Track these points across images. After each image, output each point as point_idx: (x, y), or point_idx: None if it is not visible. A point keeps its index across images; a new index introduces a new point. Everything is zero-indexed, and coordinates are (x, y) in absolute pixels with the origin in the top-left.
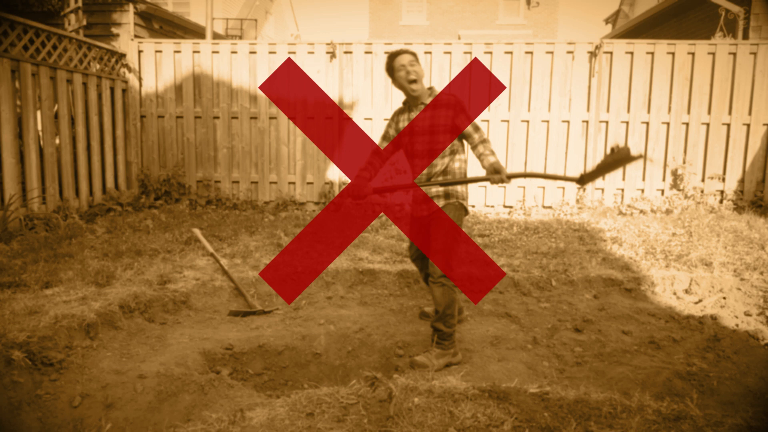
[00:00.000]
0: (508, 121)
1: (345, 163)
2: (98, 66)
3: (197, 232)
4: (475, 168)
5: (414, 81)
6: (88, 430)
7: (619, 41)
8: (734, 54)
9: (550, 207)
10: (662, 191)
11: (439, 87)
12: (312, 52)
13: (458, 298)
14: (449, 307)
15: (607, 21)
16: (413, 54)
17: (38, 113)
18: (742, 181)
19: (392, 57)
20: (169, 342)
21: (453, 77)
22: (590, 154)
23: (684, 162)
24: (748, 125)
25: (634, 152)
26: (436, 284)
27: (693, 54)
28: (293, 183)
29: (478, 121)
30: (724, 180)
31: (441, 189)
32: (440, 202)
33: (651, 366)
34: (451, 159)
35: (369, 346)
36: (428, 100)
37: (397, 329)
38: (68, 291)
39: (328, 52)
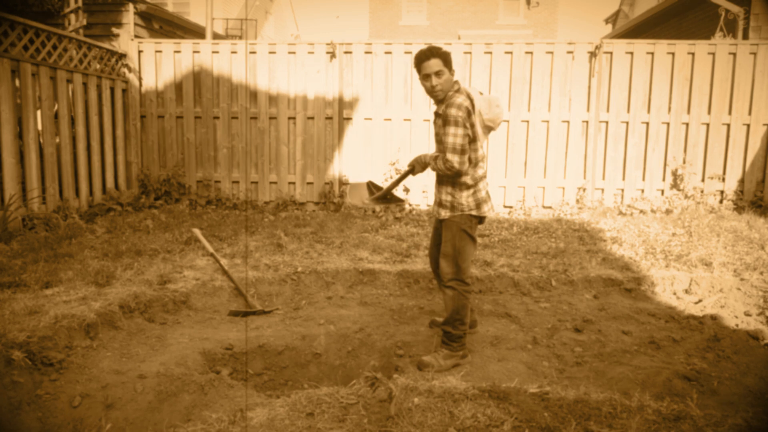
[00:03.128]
0: (508, 121)
1: (345, 163)
2: (98, 66)
3: (197, 232)
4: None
5: (434, 93)
6: (88, 430)
7: (619, 41)
8: (734, 54)
9: (550, 207)
10: (662, 191)
11: None
12: (312, 52)
13: (469, 305)
14: (457, 312)
15: (607, 21)
16: (442, 57)
17: (38, 113)
18: (742, 181)
19: (420, 60)
20: (169, 342)
21: None
22: (590, 154)
23: (684, 162)
24: (748, 125)
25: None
26: (446, 288)
27: (693, 54)
28: (293, 183)
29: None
30: (724, 180)
31: (449, 199)
32: (447, 214)
33: (651, 366)
34: None
35: (369, 346)
36: (442, 109)
37: (397, 329)
38: (68, 291)
39: (328, 52)
